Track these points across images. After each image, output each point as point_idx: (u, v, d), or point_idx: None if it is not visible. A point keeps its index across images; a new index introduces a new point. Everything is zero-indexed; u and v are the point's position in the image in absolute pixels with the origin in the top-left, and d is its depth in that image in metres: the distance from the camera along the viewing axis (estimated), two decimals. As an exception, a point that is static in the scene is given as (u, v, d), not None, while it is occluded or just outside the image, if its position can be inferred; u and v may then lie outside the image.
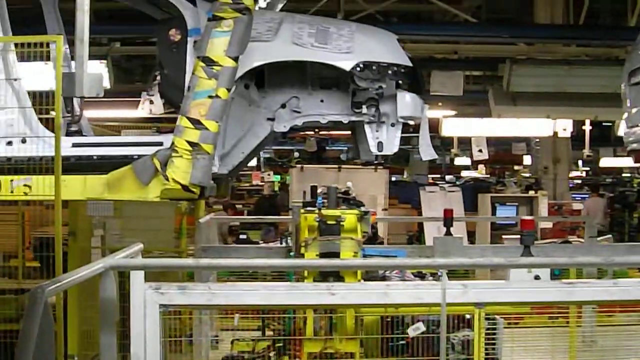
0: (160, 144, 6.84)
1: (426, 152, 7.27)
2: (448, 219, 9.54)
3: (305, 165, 17.69)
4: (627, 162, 29.49)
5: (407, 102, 7.09)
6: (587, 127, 21.33)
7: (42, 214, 10.57)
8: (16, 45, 6.67)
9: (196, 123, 6.48)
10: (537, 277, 6.69)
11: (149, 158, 6.68)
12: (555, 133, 18.41)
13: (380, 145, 7.13)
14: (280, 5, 8.06)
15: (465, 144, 22.04)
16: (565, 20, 16.53)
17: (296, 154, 27.42)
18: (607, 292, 5.00)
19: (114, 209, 10.10)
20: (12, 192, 6.71)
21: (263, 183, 24.17)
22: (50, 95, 6.68)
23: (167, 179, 6.57)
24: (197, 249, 9.59)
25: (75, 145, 7.05)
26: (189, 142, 6.50)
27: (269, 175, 23.37)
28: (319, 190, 7.78)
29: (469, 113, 19.71)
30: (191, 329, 9.05)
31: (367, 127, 7.16)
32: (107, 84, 14.51)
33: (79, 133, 7.62)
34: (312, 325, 7.10)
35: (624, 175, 34.63)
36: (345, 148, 27.57)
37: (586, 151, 22.39)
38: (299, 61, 7.05)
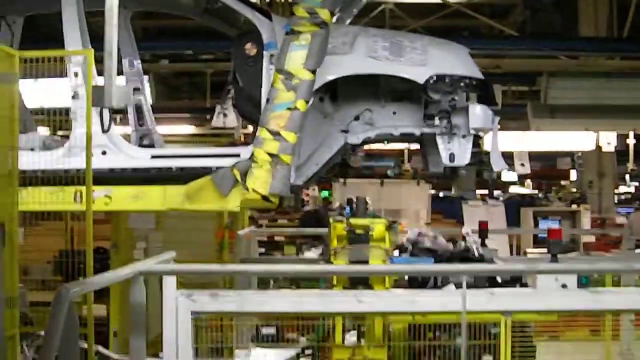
0: (238, 155, 7.01)
1: (497, 163, 7.29)
2: (483, 230, 9.63)
3: (348, 180, 17.72)
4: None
5: (478, 114, 7.13)
6: (631, 141, 21.13)
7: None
8: (50, 60, 6.76)
9: (275, 134, 6.64)
10: (564, 286, 6.72)
11: (228, 169, 6.86)
12: (599, 147, 18.30)
13: (452, 157, 7.18)
14: (348, 20, 8.16)
15: (509, 158, 21.98)
16: (609, 34, 16.49)
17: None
18: (636, 300, 5.02)
19: (156, 222, 10.29)
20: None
21: (308, 198, 24.19)
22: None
23: (247, 189, 6.75)
24: (236, 261, 9.76)
25: (154, 157, 7.26)
26: (269, 153, 6.67)
27: (313, 190, 23.37)
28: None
29: (512, 127, 19.68)
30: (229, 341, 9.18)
31: (439, 139, 7.19)
32: (149, 99, 14.82)
33: (151, 145, 7.87)
34: (340, 332, 7.22)
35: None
36: (392, 164, 27.54)
37: (630, 165, 22.15)
38: (372, 74, 7.14)
